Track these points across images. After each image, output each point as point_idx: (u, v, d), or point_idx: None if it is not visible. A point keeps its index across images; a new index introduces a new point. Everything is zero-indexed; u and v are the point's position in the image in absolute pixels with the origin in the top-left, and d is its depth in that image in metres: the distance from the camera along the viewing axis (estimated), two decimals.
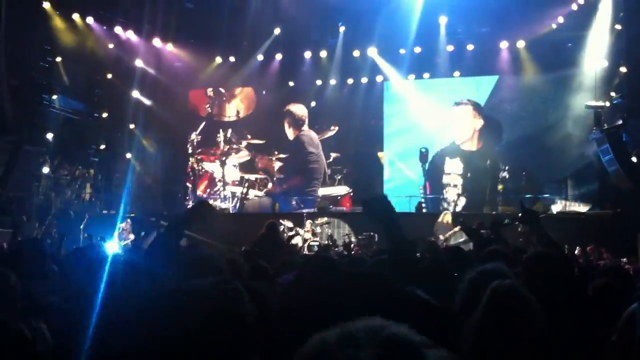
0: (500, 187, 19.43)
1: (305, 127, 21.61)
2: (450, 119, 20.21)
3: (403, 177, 20.52)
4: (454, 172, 20.05)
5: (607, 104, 15.25)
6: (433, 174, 20.24)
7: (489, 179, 19.57)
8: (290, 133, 21.68)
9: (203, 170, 22.15)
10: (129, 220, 17.33)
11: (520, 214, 5.00)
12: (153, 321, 1.44)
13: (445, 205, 19.59)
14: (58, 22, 18.30)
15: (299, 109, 21.64)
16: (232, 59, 20.98)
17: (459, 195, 19.72)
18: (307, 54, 20.45)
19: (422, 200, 19.35)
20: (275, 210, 20.21)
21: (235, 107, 22.26)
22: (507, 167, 19.49)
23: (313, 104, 21.49)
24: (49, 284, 4.27)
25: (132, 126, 21.25)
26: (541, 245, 4.42)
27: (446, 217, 15.63)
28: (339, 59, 20.22)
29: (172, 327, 1.38)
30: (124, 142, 21.37)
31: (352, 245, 14.13)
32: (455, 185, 19.95)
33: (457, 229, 14.61)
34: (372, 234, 15.70)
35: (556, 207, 17.36)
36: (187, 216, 3.84)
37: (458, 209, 19.31)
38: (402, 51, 19.68)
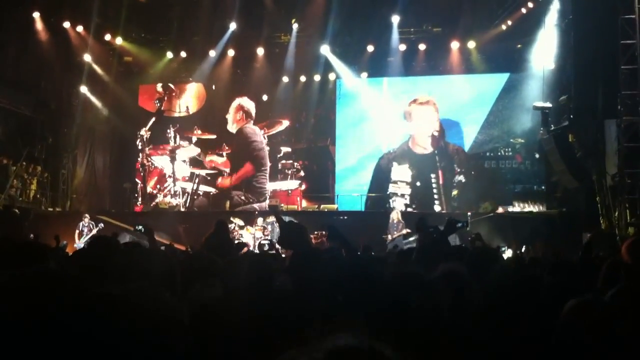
0: (455, 192, 19.37)
1: (250, 122, 21.43)
2: (405, 119, 20.03)
3: (353, 174, 20.52)
4: (401, 179, 19.82)
5: (554, 104, 15.52)
6: (379, 179, 20.13)
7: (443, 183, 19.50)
8: (233, 127, 21.40)
9: (153, 166, 21.76)
10: (86, 216, 17.07)
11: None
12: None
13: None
14: (5, 16, 17.77)
15: (249, 103, 21.38)
16: (183, 54, 20.70)
17: (406, 206, 19.42)
18: (260, 51, 20.26)
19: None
20: (226, 208, 20.06)
21: (185, 103, 21.93)
22: (462, 170, 19.47)
23: (265, 97, 21.24)
24: None
25: (79, 121, 20.81)
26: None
27: (393, 215, 15.76)
28: (292, 55, 20.11)
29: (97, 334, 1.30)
30: (71, 138, 20.88)
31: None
32: (402, 195, 19.72)
33: (404, 231, 14.94)
34: (324, 232, 15.69)
35: (513, 208, 17.64)
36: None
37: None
38: (354, 50, 19.71)
